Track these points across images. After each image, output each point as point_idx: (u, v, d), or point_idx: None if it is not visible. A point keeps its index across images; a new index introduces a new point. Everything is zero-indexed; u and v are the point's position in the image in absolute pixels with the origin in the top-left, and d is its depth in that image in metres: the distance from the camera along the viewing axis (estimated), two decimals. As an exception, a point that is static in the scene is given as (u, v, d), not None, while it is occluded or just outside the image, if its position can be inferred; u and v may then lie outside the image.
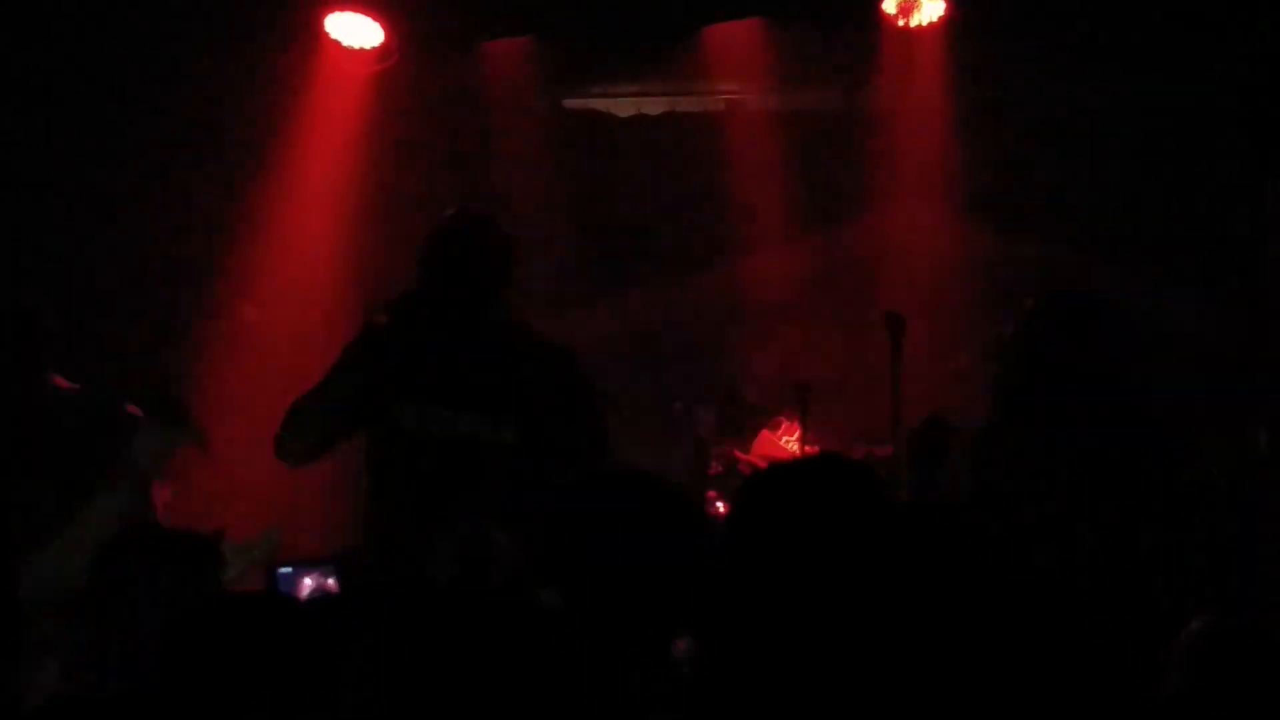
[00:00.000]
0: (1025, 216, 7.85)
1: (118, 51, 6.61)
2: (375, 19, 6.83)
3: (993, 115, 7.71)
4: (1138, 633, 2.97)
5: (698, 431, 7.45)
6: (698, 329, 8.44)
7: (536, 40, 7.50)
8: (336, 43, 6.90)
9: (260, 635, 2.45)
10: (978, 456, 4.16)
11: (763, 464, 6.68)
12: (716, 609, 2.25)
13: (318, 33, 6.87)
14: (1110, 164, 7.60)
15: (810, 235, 8.20)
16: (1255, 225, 7.37)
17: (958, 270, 7.99)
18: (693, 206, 8.20)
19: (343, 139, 7.22)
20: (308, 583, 3.29)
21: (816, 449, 6.56)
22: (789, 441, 7.16)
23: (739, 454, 7.10)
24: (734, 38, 7.51)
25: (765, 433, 7.31)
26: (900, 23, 7.06)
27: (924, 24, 7.04)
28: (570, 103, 8.37)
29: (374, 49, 6.94)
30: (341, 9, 6.81)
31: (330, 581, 3.27)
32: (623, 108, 8.37)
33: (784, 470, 2.42)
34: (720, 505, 6.71)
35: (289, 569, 3.36)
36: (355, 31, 6.89)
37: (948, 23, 7.05)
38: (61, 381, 4.25)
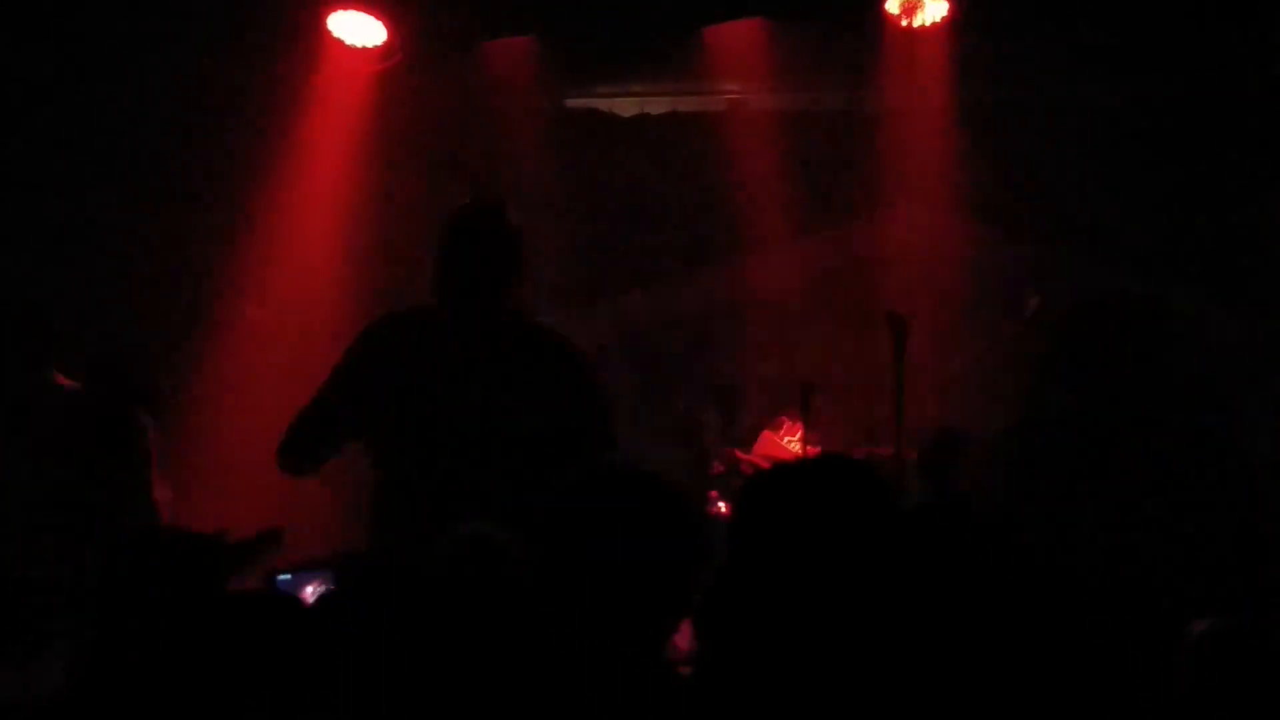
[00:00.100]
0: (1028, 216, 7.86)
1: (120, 51, 6.61)
2: (378, 17, 6.82)
3: (995, 115, 7.71)
4: (1153, 633, 2.97)
5: (699, 431, 7.46)
6: (699, 329, 8.45)
7: (539, 39, 7.50)
8: (339, 41, 6.89)
9: (261, 635, 2.45)
10: (1010, 455, 4.13)
11: (764, 464, 6.68)
12: (719, 609, 2.25)
13: (320, 31, 6.86)
14: (1114, 164, 7.60)
15: (812, 235, 8.21)
16: (1261, 225, 7.37)
17: (960, 270, 7.99)
18: (694, 206, 8.21)
19: (345, 137, 7.22)
20: (309, 589, 3.27)
21: (818, 449, 6.56)
22: (791, 442, 7.17)
23: (740, 454, 7.11)
24: (736, 37, 7.50)
25: (767, 433, 7.32)
26: (903, 23, 7.04)
27: (927, 24, 7.02)
28: (572, 102, 8.37)
29: (377, 48, 6.93)
30: (344, 7, 6.80)
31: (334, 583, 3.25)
32: (625, 107, 8.38)
33: (786, 471, 2.41)
34: (722, 505, 6.71)
35: (288, 575, 3.35)
36: (358, 30, 6.88)
37: (950, 23, 7.04)
38: (64, 380, 4.26)
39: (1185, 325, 4.28)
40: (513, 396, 3.90)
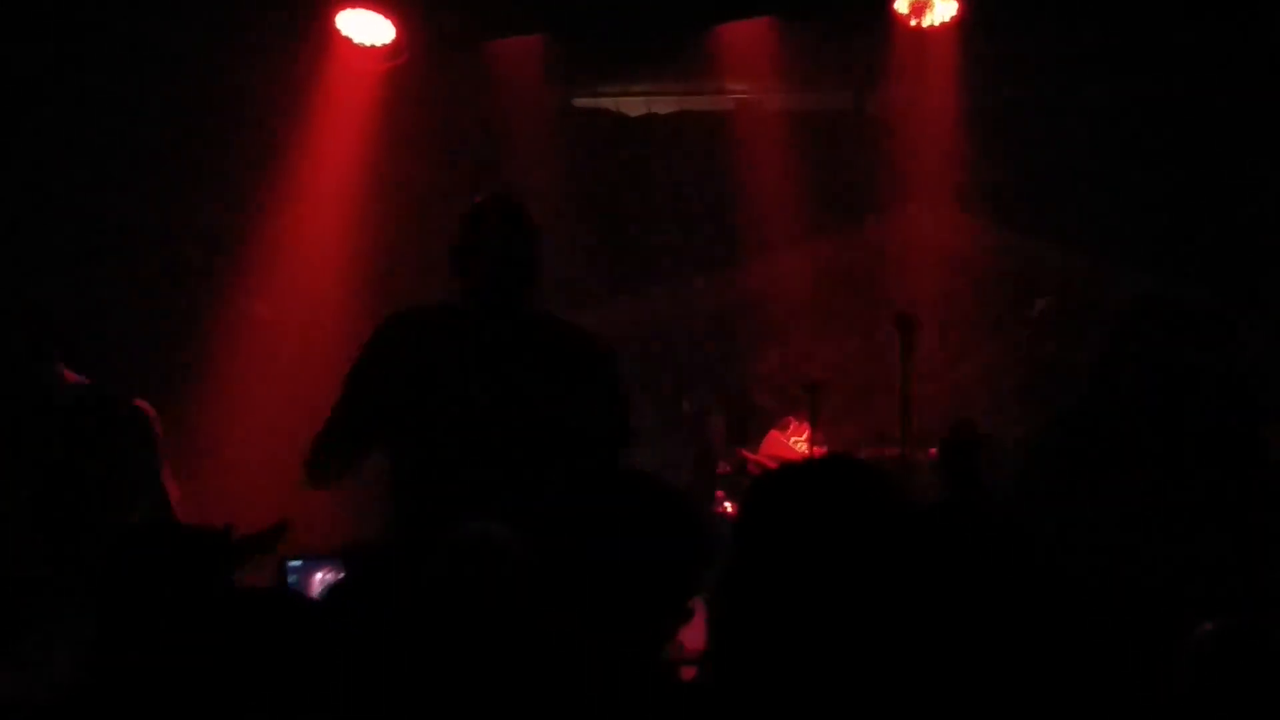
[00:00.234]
0: (1037, 217, 7.85)
1: (130, 49, 6.62)
2: (386, 16, 6.82)
3: (1004, 115, 7.71)
4: (1165, 634, 2.95)
5: (707, 431, 7.46)
6: (707, 328, 8.45)
7: (547, 39, 7.50)
8: (347, 40, 6.89)
9: (268, 631, 2.45)
10: (1045, 453, 4.10)
11: (771, 464, 6.67)
12: (726, 609, 2.24)
13: (329, 30, 6.86)
14: (1122, 164, 7.59)
15: (820, 235, 8.21)
16: (1271, 224, 7.37)
17: (969, 270, 7.99)
18: (702, 206, 8.21)
19: (353, 136, 7.22)
20: (319, 577, 3.27)
21: (825, 449, 6.55)
22: (798, 442, 7.16)
23: (747, 454, 7.10)
24: (745, 37, 7.49)
25: (774, 433, 7.30)
26: (912, 23, 7.03)
27: (936, 24, 7.01)
28: (580, 101, 8.37)
29: (385, 46, 6.93)
30: (352, 6, 6.81)
31: (342, 576, 3.24)
32: (633, 106, 8.38)
33: (793, 471, 2.41)
34: (729, 505, 6.71)
35: (299, 562, 3.35)
36: (366, 29, 6.88)
37: (960, 23, 7.03)
38: (71, 375, 4.25)
39: (1226, 329, 4.27)
40: (536, 393, 3.87)
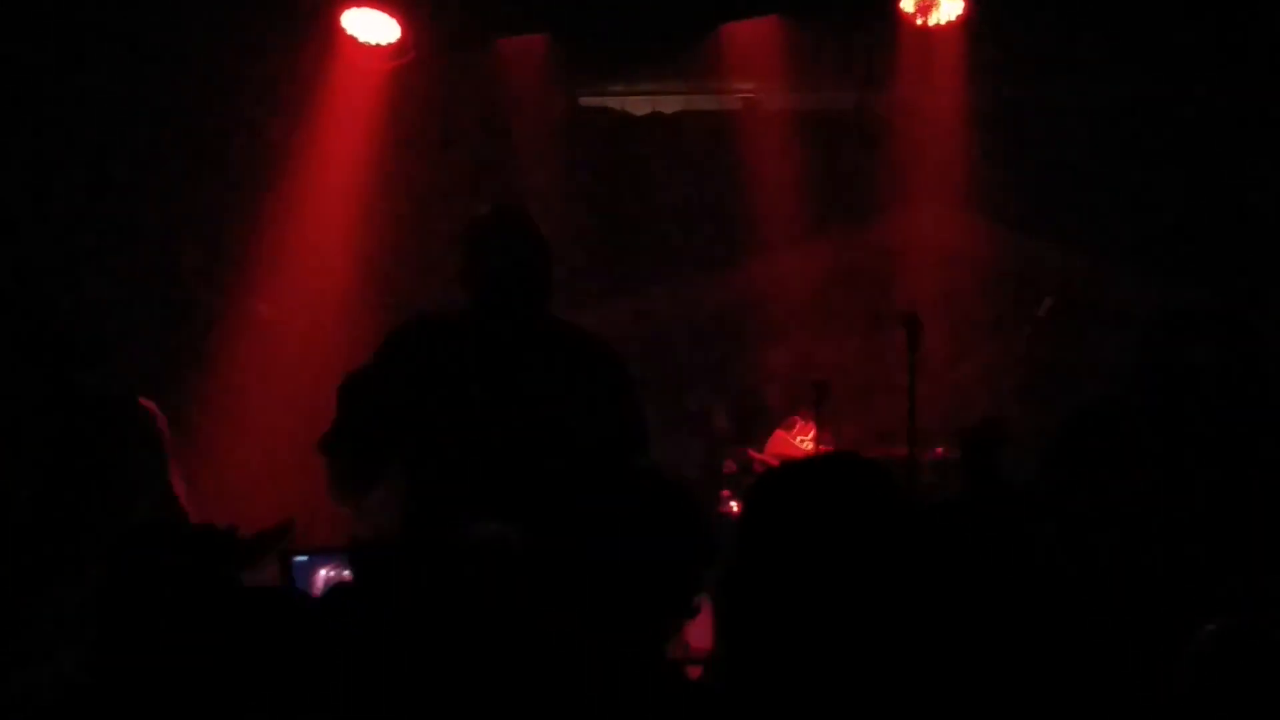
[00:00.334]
0: (1041, 216, 7.84)
1: (133, 48, 6.62)
2: (392, 15, 6.82)
3: (1010, 114, 7.69)
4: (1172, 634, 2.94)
5: (712, 430, 7.45)
6: (713, 327, 8.44)
7: (552, 37, 7.49)
8: (353, 39, 6.89)
9: (274, 630, 2.44)
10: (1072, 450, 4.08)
11: (776, 463, 6.66)
12: (729, 607, 2.24)
13: (334, 29, 6.86)
14: (1128, 163, 7.57)
15: (825, 235, 8.19)
16: (1274, 225, 7.35)
17: (975, 270, 7.97)
18: (708, 205, 8.20)
19: (357, 135, 7.22)
20: (323, 573, 3.27)
21: (831, 448, 6.54)
22: (803, 440, 7.15)
23: (753, 453, 7.10)
24: (751, 36, 7.49)
25: (780, 432, 7.30)
26: (919, 21, 7.03)
27: (942, 23, 7.01)
28: (586, 100, 8.36)
29: (390, 45, 6.93)
30: (358, 5, 6.80)
31: (346, 573, 3.23)
32: (639, 105, 8.37)
33: (796, 468, 2.40)
34: (734, 504, 6.70)
35: (305, 558, 3.34)
36: (371, 28, 6.87)
37: (966, 21, 7.02)
38: (75, 375, 4.25)
39: (1252, 335, 4.27)
40: (548, 400, 3.85)
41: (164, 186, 6.89)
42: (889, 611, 2.11)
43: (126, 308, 6.60)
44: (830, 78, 7.85)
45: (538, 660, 2.32)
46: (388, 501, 4.01)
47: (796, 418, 7.25)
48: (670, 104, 8.37)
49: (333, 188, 7.25)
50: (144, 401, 4.30)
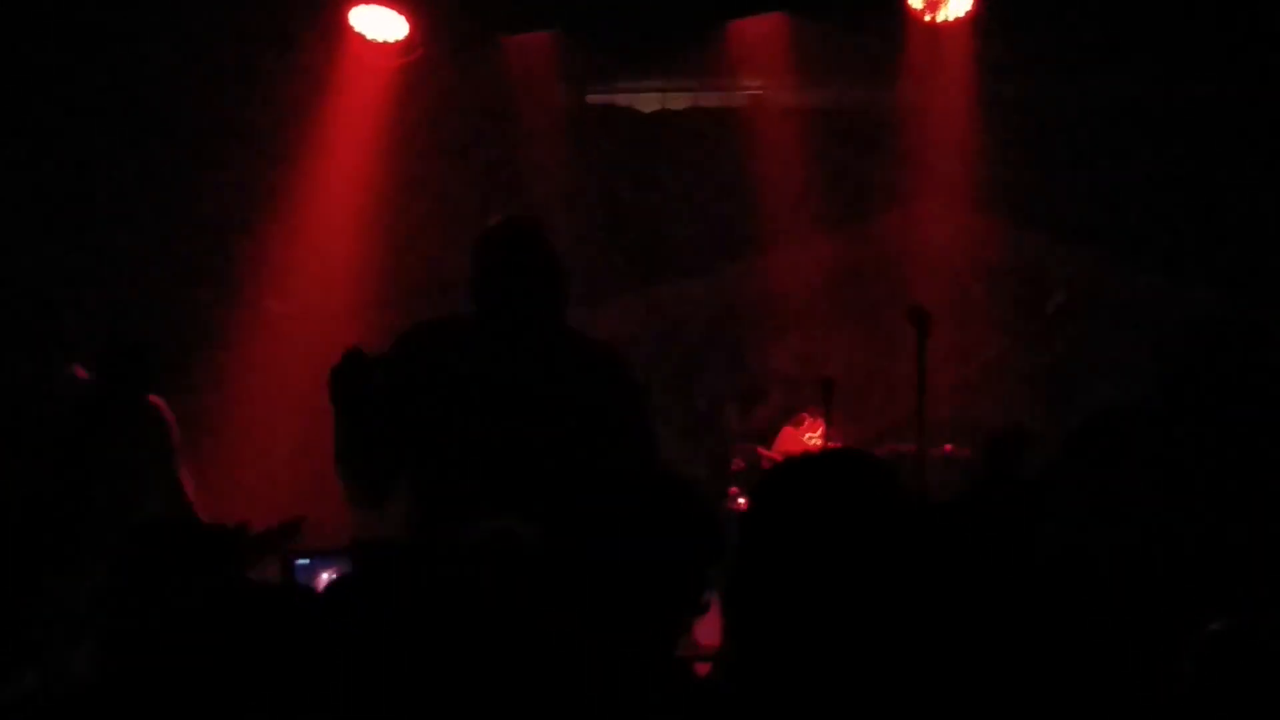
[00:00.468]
0: (1051, 213, 7.83)
1: (142, 45, 6.62)
2: (400, 12, 6.82)
3: (1019, 111, 7.68)
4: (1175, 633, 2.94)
5: (720, 427, 7.45)
6: (721, 324, 8.44)
7: (560, 34, 7.49)
8: (360, 36, 6.89)
9: (279, 626, 2.44)
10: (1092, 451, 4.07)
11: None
12: (734, 602, 2.24)
13: (342, 26, 6.86)
14: (1137, 160, 7.56)
15: (834, 231, 8.19)
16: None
17: (982, 266, 7.97)
18: (716, 202, 8.19)
19: (366, 132, 7.22)
20: (325, 576, 3.27)
21: (839, 444, 6.54)
22: (812, 437, 7.15)
23: (761, 450, 7.09)
24: (759, 32, 7.48)
25: (788, 429, 7.30)
26: (926, 18, 7.01)
27: (950, 19, 6.99)
28: (593, 97, 8.36)
29: (398, 42, 6.93)
30: (366, 2, 6.80)
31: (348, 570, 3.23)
32: (646, 102, 8.36)
33: (799, 464, 2.40)
34: (742, 501, 6.70)
35: (307, 560, 3.34)
36: (379, 25, 6.87)
37: (974, 18, 7.01)
38: (82, 371, 4.26)
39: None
40: (557, 407, 3.84)
41: (173, 183, 6.89)
42: (890, 607, 2.11)
43: (136, 305, 6.62)
44: (839, 74, 7.84)
45: (546, 659, 2.32)
46: (397, 508, 4.01)
47: (805, 414, 7.24)
48: (678, 101, 8.36)
49: (341, 184, 7.26)
50: (153, 399, 4.31)
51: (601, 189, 8.11)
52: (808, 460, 2.41)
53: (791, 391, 7.36)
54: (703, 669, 2.67)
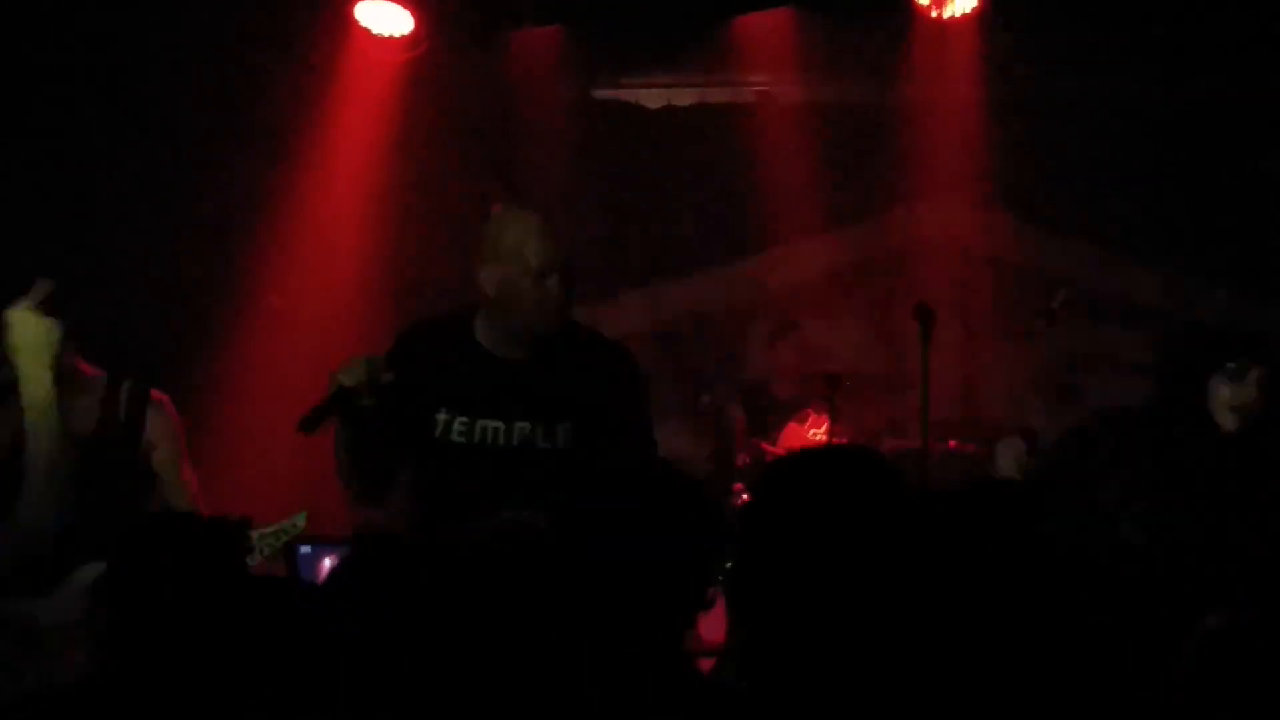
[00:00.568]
0: (1057, 209, 7.82)
1: (145, 39, 6.61)
2: (405, 7, 6.82)
3: (1025, 108, 7.66)
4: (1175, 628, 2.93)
5: (725, 423, 7.43)
6: (726, 321, 8.43)
7: (566, 30, 7.49)
8: (366, 31, 6.89)
9: (282, 621, 2.44)
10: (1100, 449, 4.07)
11: (789, 456, 6.64)
12: (736, 597, 2.23)
13: (347, 21, 6.85)
14: (1144, 157, 7.55)
15: (840, 228, 8.18)
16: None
17: (988, 263, 7.96)
18: (722, 198, 8.19)
19: (371, 128, 7.21)
20: (328, 563, 3.26)
21: (844, 440, 6.53)
22: (816, 434, 7.13)
23: (766, 445, 7.08)
24: (764, 28, 7.48)
25: (793, 425, 7.28)
26: (933, 14, 7.01)
27: (957, 15, 6.99)
28: (599, 93, 8.35)
29: (403, 37, 6.92)
30: (371, -4, 6.81)
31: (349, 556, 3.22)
32: (652, 99, 8.35)
33: (800, 459, 2.39)
34: (746, 497, 6.69)
35: (309, 548, 3.34)
36: (384, 19, 6.87)
37: (981, 14, 7.00)
38: (86, 366, 4.25)
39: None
40: (561, 404, 3.83)
41: (175, 178, 6.88)
42: (892, 602, 2.10)
43: (138, 299, 6.61)
44: (845, 71, 7.83)
45: (550, 656, 2.31)
46: (398, 505, 4.00)
47: (809, 410, 7.22)
48: (684, 97, 8.35)
49: (345, 179, 7.25)
50: (156, 393, 4.30)
51: (605, 185, 8.10)
52: (808, 455, 2.40)
53: (796, 388, 7.35)
54: (707, 665, 2.67)
